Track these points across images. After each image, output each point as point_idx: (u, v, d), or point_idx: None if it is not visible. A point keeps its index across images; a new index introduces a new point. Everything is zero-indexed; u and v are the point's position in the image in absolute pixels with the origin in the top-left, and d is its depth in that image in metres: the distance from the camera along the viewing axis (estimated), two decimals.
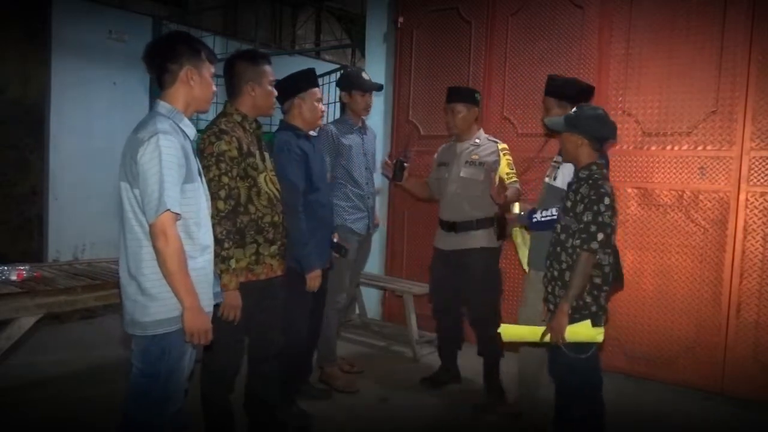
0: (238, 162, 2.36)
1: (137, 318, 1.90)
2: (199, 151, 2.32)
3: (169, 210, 1.80)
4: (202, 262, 1.98)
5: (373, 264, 4.74)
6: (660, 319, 3.67)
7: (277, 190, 2.54)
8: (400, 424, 3.09)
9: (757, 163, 3.40)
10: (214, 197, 2.26)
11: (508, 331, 2.56)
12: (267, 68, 2.52)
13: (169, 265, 1.82)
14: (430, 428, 3.09)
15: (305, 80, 2.91)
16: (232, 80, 2.50)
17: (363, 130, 3.55)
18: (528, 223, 2.82)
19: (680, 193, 3.60)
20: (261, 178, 2.45)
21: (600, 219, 2.27)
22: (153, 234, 1.82)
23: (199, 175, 2.04)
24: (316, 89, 2.93)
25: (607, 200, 2.29)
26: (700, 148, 3.54)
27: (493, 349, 3.31)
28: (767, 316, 3.37)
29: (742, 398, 3.41)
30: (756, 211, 3.40)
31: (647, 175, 3.70)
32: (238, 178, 2.37)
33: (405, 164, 3.33)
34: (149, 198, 1.81)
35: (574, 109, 2.51)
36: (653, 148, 3.68)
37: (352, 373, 3.68)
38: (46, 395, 3.23)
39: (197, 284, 1.92)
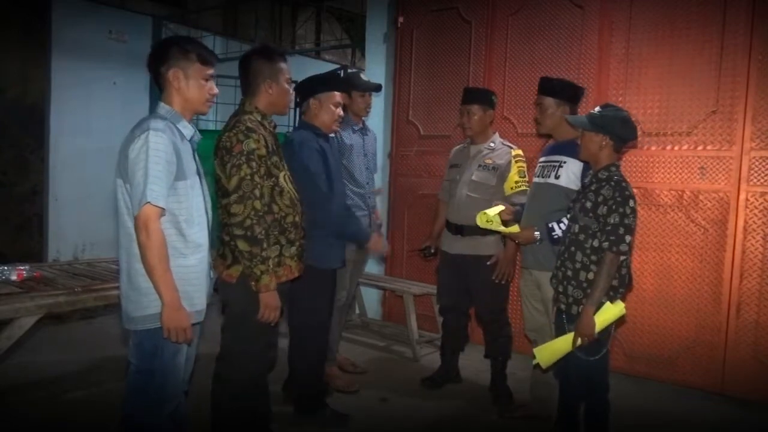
0: (265, 160, 2.32)
1: (130, 312, 1.95)
2: (223, 150, 2.27)
3: (150, 203, 1.81)
4: (194, 260, 1.99)
5: (373, 264, 4.74)
6: (660, 318, 3.67)
7: (295, 189, 2.49)
8: (400, 424, 3.09)
9: (757, 163, 3.39)
10: (248, 197, 2.23)
11: (544, 355, 2.50)
12: (283, 65, 2.47)
13: (149, 259, 1.84)
14: (430, 428, 3.09)
15: (324, 83, 2.90)
16: (247, 77, 2.44)
17: (364, 131, 3.58)
18: (551, 240, 2.74)
19: (680, 193, 3.60)
20: (281, 177, 2.40)
21: (626, 221, 2.29)
22: (136, 227, 1.85)
23: (198, 175, 2.04)
24: (335, 92, 2.88)
25: (632, 203, 2.32)
26: (700, 148, 3.54)
27: (501, 351, 3.31)
28: (767, 316, 3.37)
29: (742, 398, 3.40)
30: (756, 211, 3.40)
31: (647, 175, 3.70)
32: (264, 177, 2.33)
33: (432, 250, 3.50)
34: (135, 191, 1.84)
35: (597, 108, 2.48)
36: (653, 148, 3.68)
37: (352, 373, 3.68)
38: (46, 395, 3.23)
39: (189, 282, 1.95)
